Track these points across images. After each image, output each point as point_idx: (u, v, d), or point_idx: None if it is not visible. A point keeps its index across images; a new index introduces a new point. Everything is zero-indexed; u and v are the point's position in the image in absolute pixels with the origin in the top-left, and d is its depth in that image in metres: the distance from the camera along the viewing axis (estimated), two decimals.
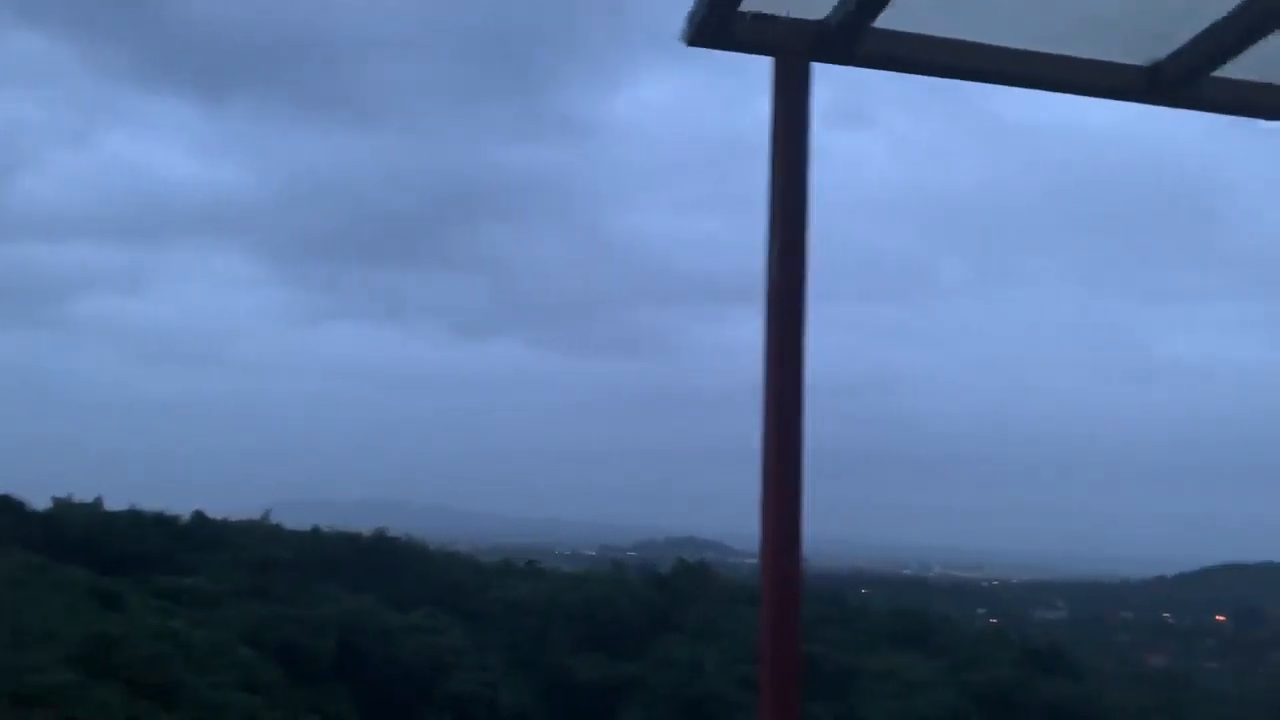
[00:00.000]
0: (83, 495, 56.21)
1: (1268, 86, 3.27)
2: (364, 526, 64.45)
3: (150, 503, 58.48)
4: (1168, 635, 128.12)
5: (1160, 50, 3.05)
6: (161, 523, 55.62)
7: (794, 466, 2.87)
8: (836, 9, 2.69)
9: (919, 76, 2.97)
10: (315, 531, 63.96)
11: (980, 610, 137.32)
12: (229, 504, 70.93)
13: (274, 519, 65.29)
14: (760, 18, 2.72)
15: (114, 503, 56.65)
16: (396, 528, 66.29)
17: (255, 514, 65.63)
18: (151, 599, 34.53)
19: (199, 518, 59.13)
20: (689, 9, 2.72)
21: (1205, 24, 2.91)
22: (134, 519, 54.17)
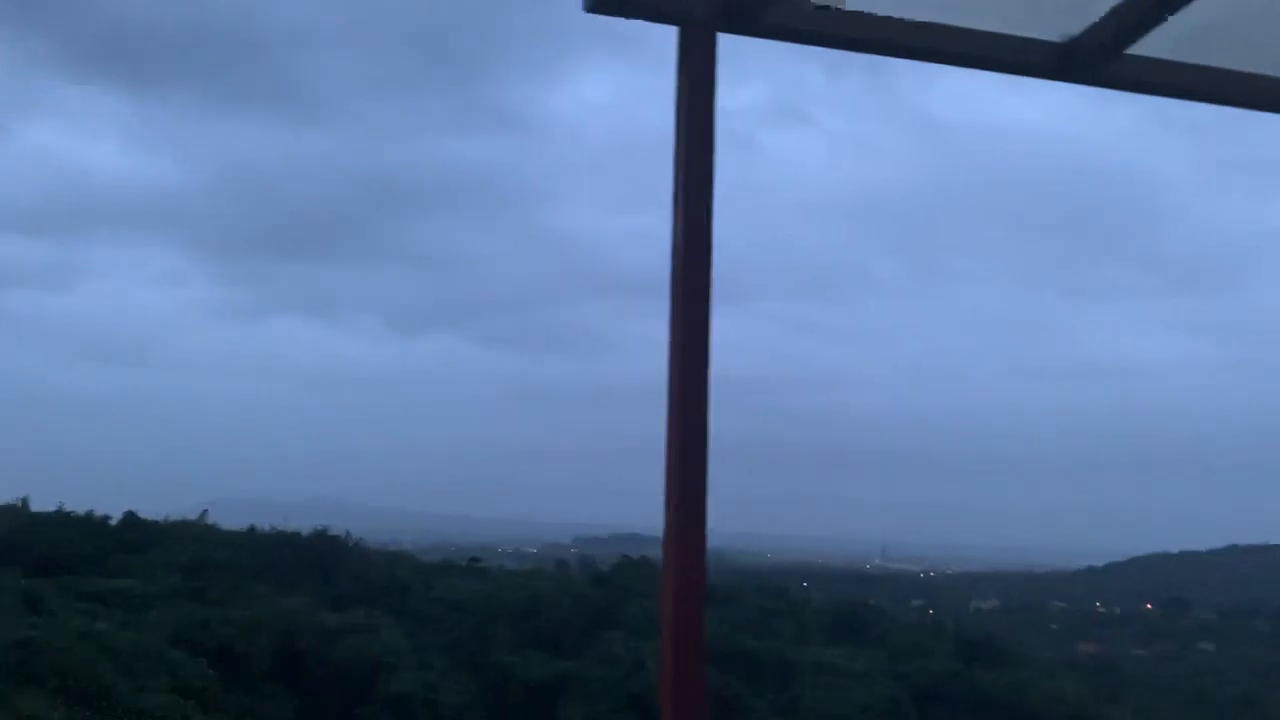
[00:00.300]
0: (7, 497, 54.67)
1: (1183, 66, 3.23)
2: (303, 526, 63.46)
3: (81, 504, 57.12)
4: (1098, 624, 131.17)
5: (1074, 26, 3.00)
6: (91, 524, 54.30)
7: (698, 462, 2.77)
8: None
9: (839, 60, 2.89)
10: (251, 531, 62.86)
11: (917, 602, 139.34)
12: (164, 504, 69.42)
13: (211, 519, 64.12)
14: None
15: (42, 504, 55.22)
16: (337, 527, 65.38)
17: (192, 514, 64.43)
18: (79, 602, 33.63)
19: (130, 518, 57.82)
20: None
21: None
22: (62, 520, 52.80)
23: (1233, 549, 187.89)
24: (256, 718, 32.32)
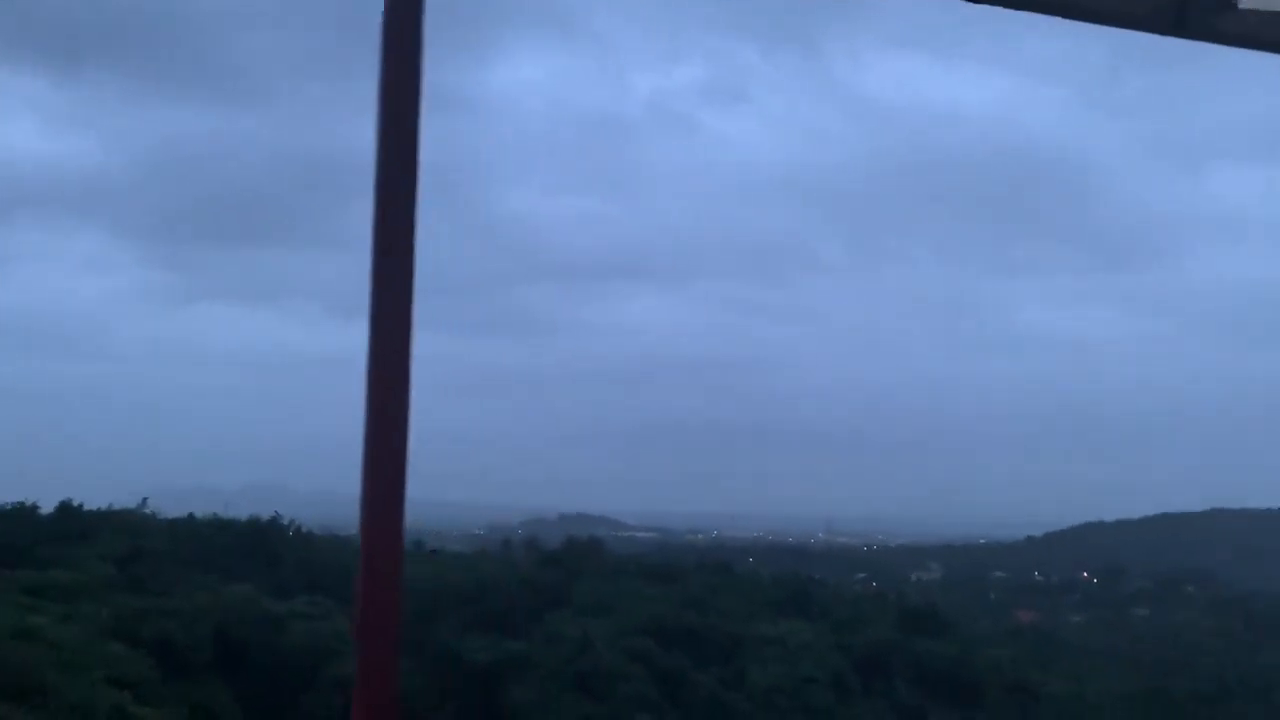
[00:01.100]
0: None
1: None
2: (246, 513, 62.55)
3: (15, 495, 55.64)
4: (1037, 592, 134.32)
5: None
6: (22, 514, 52.98)
7: (398, 440, 2.63)
8: None
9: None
10: (190, 519, 61.87)
11: (860, 575, 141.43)
12: (103, 494, 67.74)
13: (152, 508, 62.87)
14: None
15: None
16: (283, 513, 64.52)
17: (131, 503, 63.08)
18: (11, 594, 32.85)
19: (65, 508, 56.51)
20: None
21: None
22: None
23: (1165, 517, 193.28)
24: (198, 708, 31.89)
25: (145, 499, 63.89)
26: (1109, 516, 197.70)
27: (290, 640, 39.83)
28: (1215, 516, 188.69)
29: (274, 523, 60.14)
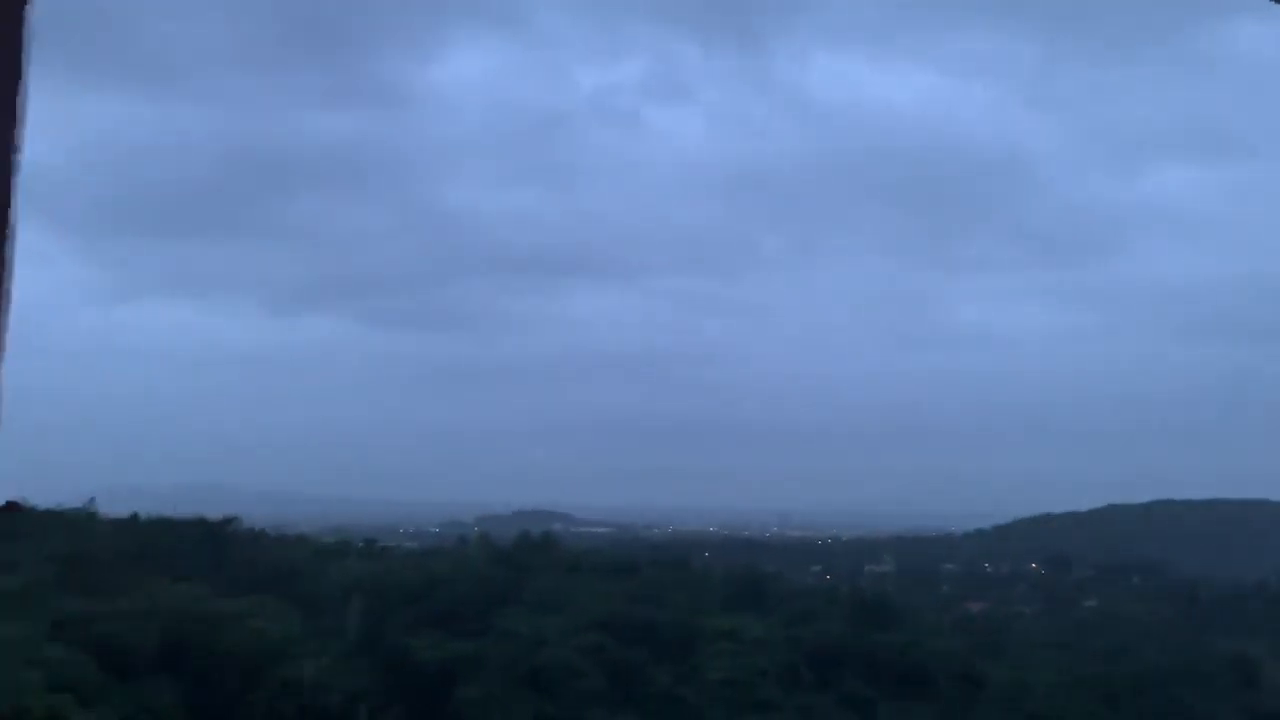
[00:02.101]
0: None
1: None
2: (194, 512, 61.64)
3: None
4: (987, 584, 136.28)
5: None
6: None
7: None
8: None
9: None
10: (134, 519, 60.87)
11: (814, 568, 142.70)
12: (46, 494, 66.38)
13: (97, 507, 61.72)
14: None
15: None
16: (228, 512, 63.63)
17: (75, 503, 61.95)
18: None
19: (8, 508, 55.37)
20: None
21: None
22: None
23: (1111, 508, 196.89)
24: (143, 710, 31.38)
25: (92, 498, 62.79)
26: (1057, 509, 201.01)
27: (237, 641, 39.36)
28: (1160, 508, 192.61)
29: (221, 522, 59.37)
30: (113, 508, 65.32)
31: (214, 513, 60.88)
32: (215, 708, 35.17)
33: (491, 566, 64.19)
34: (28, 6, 2.20)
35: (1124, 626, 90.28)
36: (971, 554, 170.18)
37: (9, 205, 2.26)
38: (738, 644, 55.16)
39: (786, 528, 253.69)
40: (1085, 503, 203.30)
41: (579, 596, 58.25)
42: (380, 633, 45.73)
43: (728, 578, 78.23)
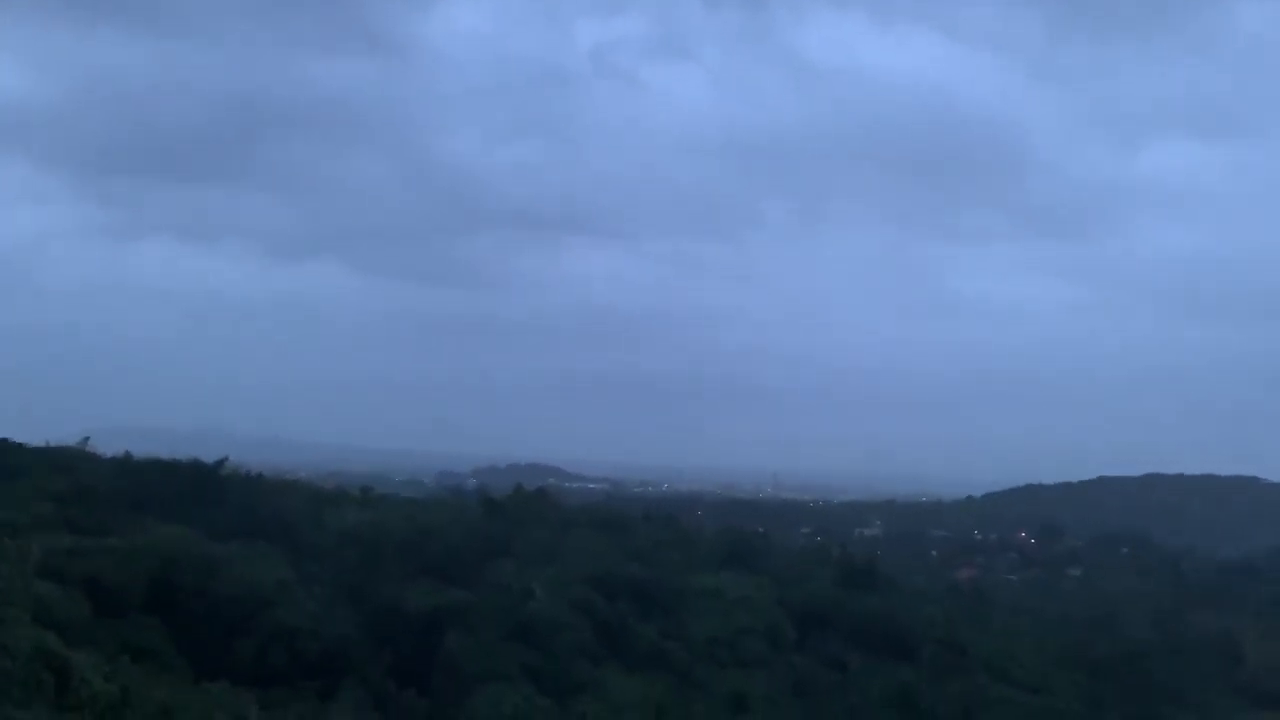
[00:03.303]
0: None
1: None
2: (193, 455, 61.59)
3: None
4: (975, 551, 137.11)
5: None
6: None
7: None
8: None
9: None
10: (129, 459, 60.87)
11: (805, 529, 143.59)
12: (43, 431, 66.41)
13: (93, 446, 61.73)
14: None
15: None
16: (230, 456, 63.61)
17: (72, 440, 61.96)
18: None
19: (1, 444, 55.42)
20: None
21: None
22: None
23: (1102, 480, 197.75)
24: (130, 649, 31.43)
25: (87, 438, 62.75)
26: (1049, 479, 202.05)
27: (226, 585, 39.48)
28: (1151, 481, 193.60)
29: (215, 465, 59.42)
30: (109, 446, 65.45)
31: (211, 456, 60.91)
32: (204, 650, 35.35)
33: (484, 519, 64.47)
34: None
35: (1110, 598, 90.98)
36: (961, 521, 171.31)
37: None
38: (725, 602, 55.59)
39: (779, 489, 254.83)
40: (1077, 474, 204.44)
41: (570, 551, 58.57)
42: (372, 580, 45.95)
43: (717, 537, 78.67)
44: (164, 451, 64.84)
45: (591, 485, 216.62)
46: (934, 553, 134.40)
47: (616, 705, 40.82)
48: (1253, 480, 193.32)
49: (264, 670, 36.05)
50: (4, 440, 55.70)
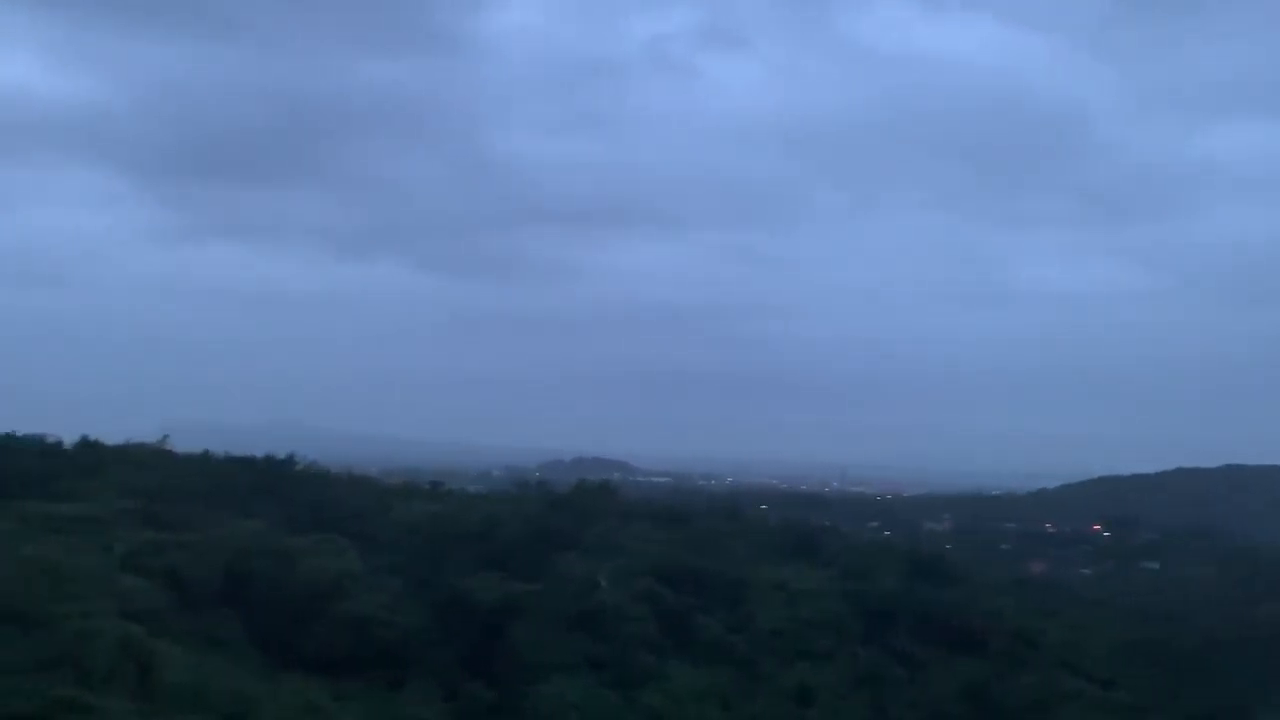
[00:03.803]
0: None
1: None
2: (265, 450, 63.30)
3: (34, 429, 56.59)
4: (1047, 544, 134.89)
5: None
6: (41, 448, 53.89)
7: None
8: None
9: None
10: (206, 455, 62.69)
11: (873, 523, 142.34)
12: (122, 428, 68.65)
13: (171, 444, 63.61)
14: None
15: None
16: (301, 452, 65.27)
17: (149, 438, 63.98)
18: (23, 526, 33.46)
19: (84, 443, 57.40)
20: None
21: None
22: (9, 443, 52.32)
23: (1180, 472, 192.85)
24: (208, 640, 32.56)
25: (166, 436, 64.76)
26: (1124, 470, 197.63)
27: (300, 576, 40.51)
28: (1230, 472, 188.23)
29: (288, 460, 60.93)
30: (183, 443, 67.44)
31: (283, 451, 62.52)
32: (277, 639, 36.35)
33: (550, 511, 65.08)
34: None
35: (1185, 591, 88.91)
36: (1033, 514, 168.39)
37: None
38: (789, 594, 55.45)
39: (846, 483, 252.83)
40: (1153, 465, 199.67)
41: (634, 543, 58.93)
42: (439, 572, 46.73)
43: (782, 529, 78.45)
44: (237, 448, 66.65)
45: (655, 479, 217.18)
46: (1004, 546, 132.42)
47: (681, 697, 41.08)
48: None
49: (335, 660, 36.95)
50: (86, 439, 57.71)
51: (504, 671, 41.04)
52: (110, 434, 61.58)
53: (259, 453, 62.19)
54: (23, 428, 57.73)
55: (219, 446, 66.72)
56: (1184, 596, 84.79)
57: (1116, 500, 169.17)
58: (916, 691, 48.95)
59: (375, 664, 37.91)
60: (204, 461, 60.40)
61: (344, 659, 37.46)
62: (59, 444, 56.86)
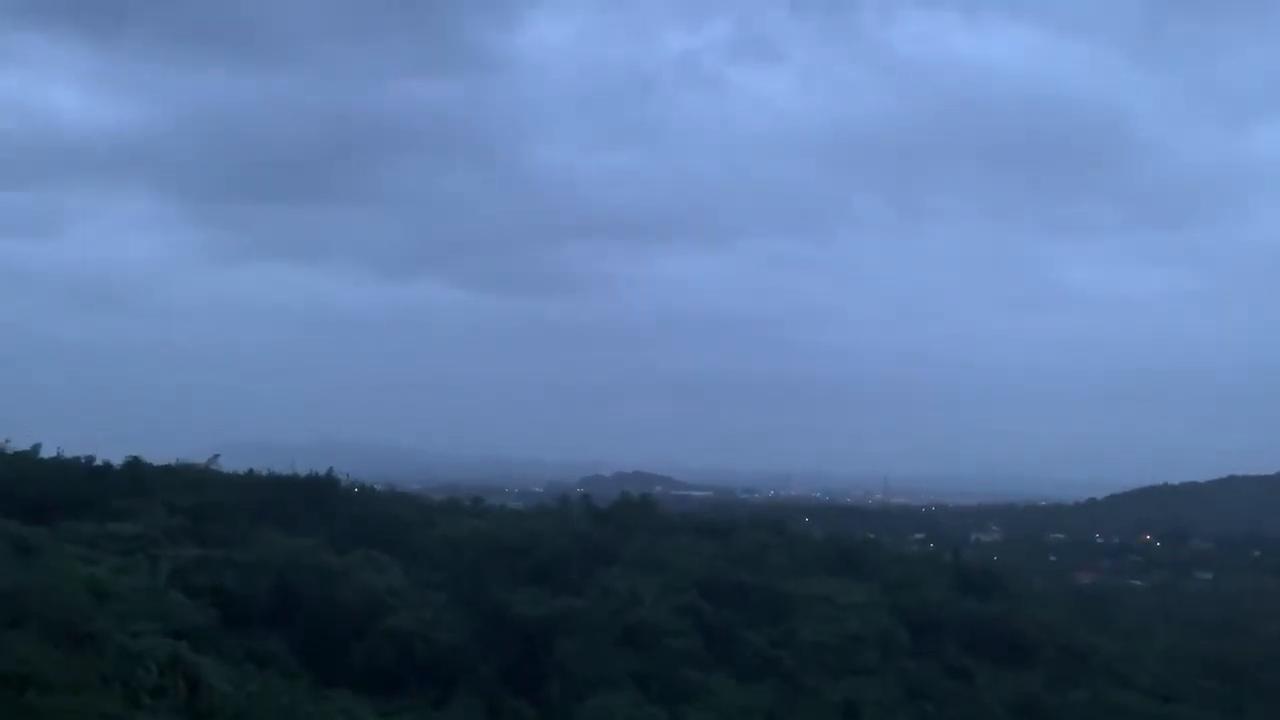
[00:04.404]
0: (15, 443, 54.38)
1: None
2: (315, 468, 63.76)
3: (86, 450, 57.28)
4: (1097, 554, 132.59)
5: None
6: (91, 468, 54.63)
7: None
8: None
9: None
10: (252, 474, 63.24)
11: (918, 535, 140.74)
12: (172, 449, 69.50)
13: (220, 463, 64.21)
14: None
15: (43, 450, 55.36)
16: (347, 469, 65.70)
17: (198, 458, 64.69)
18: (73, 546, 33.93)
19: (133, 463, 58.13)
20: None
21: None
22: (60, 465, 53.12)
23: (1232, 479, 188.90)
24: (255, 657, 32.82)
25: (216, 455, 65.46)
26: (1174, 479, 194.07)
27: (346, 592, 40.74)
28: None
29: (332, 478, 61.32)
30: (232, 462, 68.11)
31: (336, 468, 62.96)
32: (323, 655, 36.55)
33: (592, 526, 65.00)
34: None
35: (1241, 602, 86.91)
36: (1082, 524, 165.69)
37: None
38: (834, 608, 54.88)
39: (890, 494, 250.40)
40: (1205, 473, 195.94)
41: (677, 557, 58.63)
42: (482, 587, 46.79)
43: (826, 542, 77.72)
44: (285, 466, 67.17)
45: (697, 493, 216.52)
46: (1053, 557, 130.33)
47: (726, 713, 40.72)
48: None
49: (380, 677, 37.08)
50: (136, 459, 58.47)
51: (548, 688, 40.96)
52: (161, 455, 62.38)
53: (307, 470, 62.64)
54: (74, 450, 58.59)
55: (269, 465, 67.25)
56: (1241, 608, 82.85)
57: (1168, 509, 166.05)
58: (965, 705, 48.15)
59: (420, 680, 38.00)
60: (250, 480, 60.93)
61: (389, 675, 37.60)
62: (108, 465, 57.64)
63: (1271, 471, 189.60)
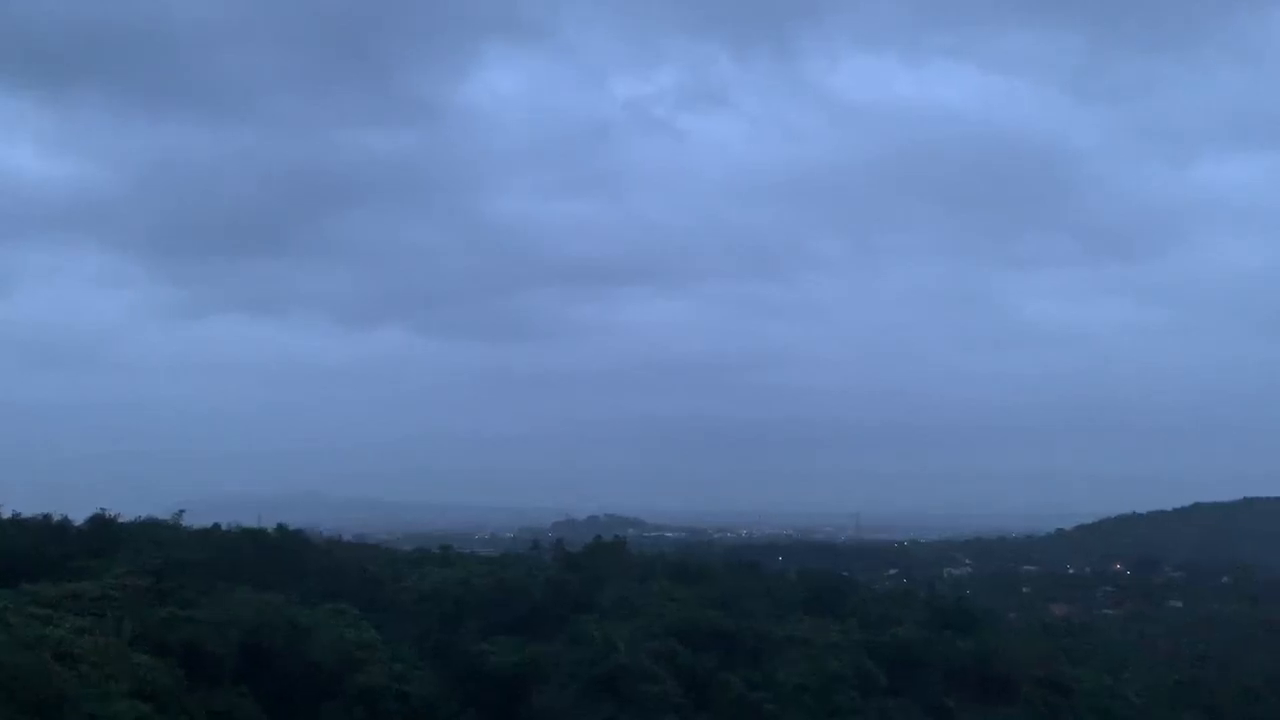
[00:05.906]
0: None
1: None
2: (285, 521, 63.00)
3: (52, 510, 56.17)
4: (1070, 585, 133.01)
5: None
6: (51, 529, 53.44)
7: None
8: None
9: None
10: (217, 529, 62.18)
11: (891, 571, 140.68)
12: (139, 506, 68.37)
13: (186, 519, 63.25)
14: None
15: (2, 510, 54.18)
16: (315, 521, 64.88)
17: (166, 514, 63.68)
18: (35, 608, 33.01)
19: (96, 521, 56.99)
20: None
21: None
22: (18, 526, 51.94)
23: (1197, 507, 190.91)
24: (223, 717, 32.00)
25: (181, 511, 64.40)
26: (1141, 508, 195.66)
27: (314, 648, 39.91)
28: (1249, 506, 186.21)
29: (299, 532, 60.42)
30: (200, 518, 67.05)
31: (300, 520, 62.10)
32: (294, 714, 35.71)
33: (564, 573, 64.31)
34: None
35: (1217, 630, 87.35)
36: (1053, 555, 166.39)
37: None
38: (812, 649, 54.44)
39: (861, 530, 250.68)
40: (1171, 501, 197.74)
41: (651, 602, 58.08)
42: (455, 639, 46.07)
43: (801, 582, 77.37)
44: (253, 519, 66.20)
45: (669, 534, 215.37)
46: (1026, 589, 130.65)
47: None
48: None
49: None
50: (99, 516, 57.32)
51: None
52: (126, 512, 61.32)
53: (274, 524, 61.79)
54: (38, 509, 57.39)
55: (235, 519, 66.32)
56: (1217, 637, 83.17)
57: (1136, 538, 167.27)
58: None
59: None
60: (216, 535, 59.88)
61: None
62: (68, 522, 56.45)
63: (1235, 498, 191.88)
